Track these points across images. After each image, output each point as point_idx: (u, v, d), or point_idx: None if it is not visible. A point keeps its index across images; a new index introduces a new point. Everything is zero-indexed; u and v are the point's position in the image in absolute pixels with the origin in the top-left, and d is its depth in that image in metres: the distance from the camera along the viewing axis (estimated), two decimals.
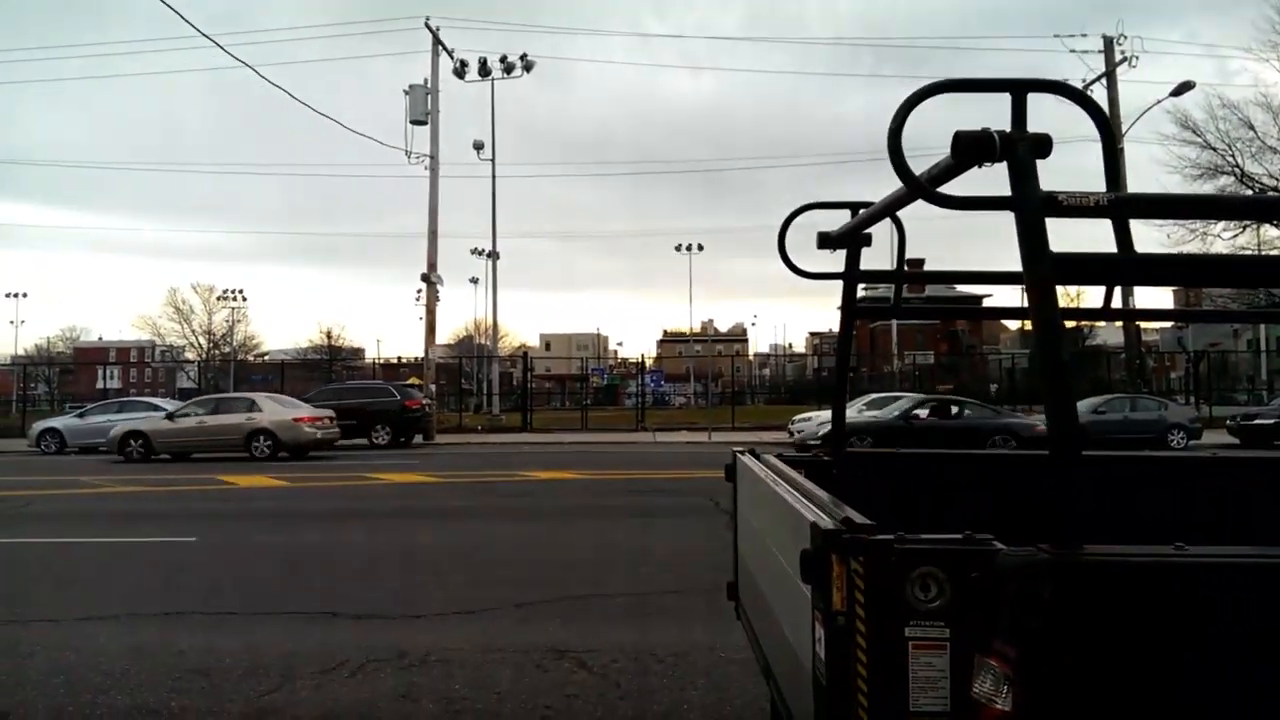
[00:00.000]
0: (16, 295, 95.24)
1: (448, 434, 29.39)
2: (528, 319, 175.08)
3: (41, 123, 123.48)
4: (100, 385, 55.64)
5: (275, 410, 21.07)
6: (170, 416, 21.43)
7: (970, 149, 1.81)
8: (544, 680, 4.56)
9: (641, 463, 18.52)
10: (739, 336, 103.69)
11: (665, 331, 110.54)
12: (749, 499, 3.12)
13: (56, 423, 24.76)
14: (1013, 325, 68.56)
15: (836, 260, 3.30)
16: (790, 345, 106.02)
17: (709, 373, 38.47)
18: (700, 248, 79.40)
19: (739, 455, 3.41)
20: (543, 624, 5.63)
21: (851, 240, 3.13)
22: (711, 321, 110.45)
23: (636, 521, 10.49)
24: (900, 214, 2.74)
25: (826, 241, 3.17)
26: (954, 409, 19.62)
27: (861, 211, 3.03)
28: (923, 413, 19.83)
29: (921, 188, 1.95)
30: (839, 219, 3.17)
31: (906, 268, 3.71)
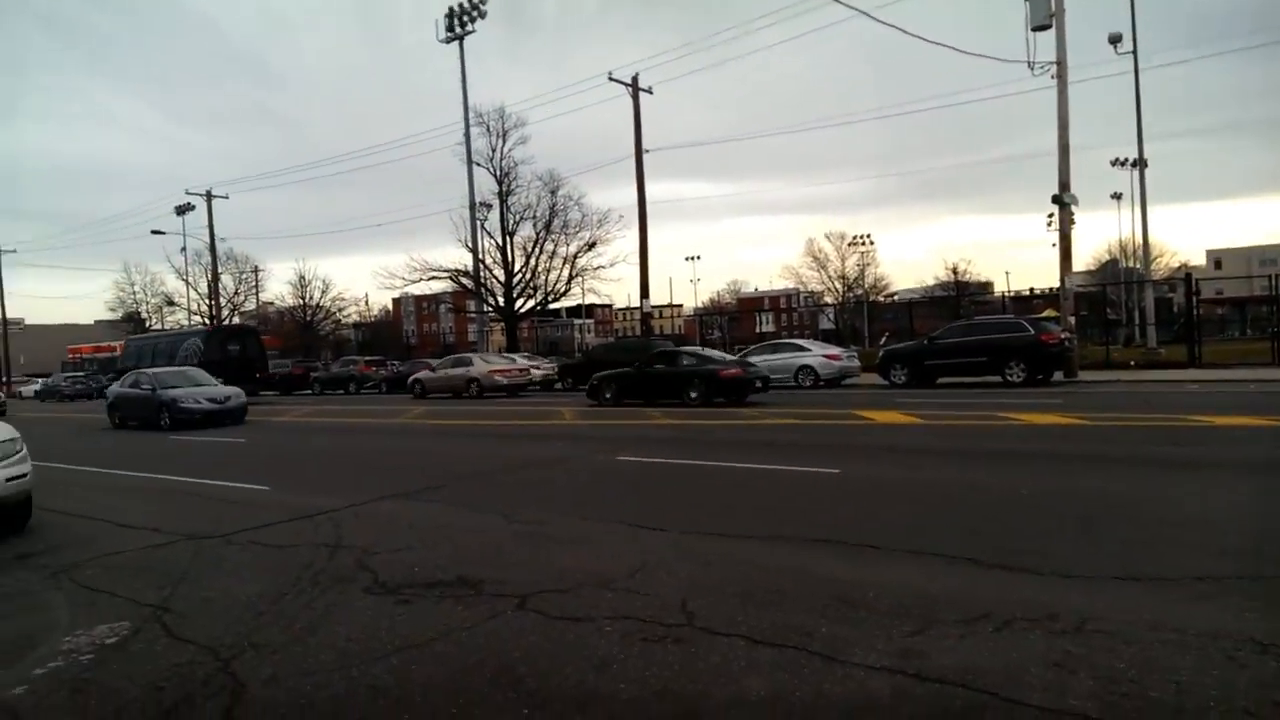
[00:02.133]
0: (693, 258, 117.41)
1: (1092, 370, 26.66)
2: (1189, 234, 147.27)
3: (683, 111, 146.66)
4: (758, 329, 64.34)
5: (480, 365, 30.39)
6: (434, 369, 32.53)
7: None
8: (1240, 676, 3.66)
9: None
10: None
11: None
12: None
13: None
14: None
15: None
16: None
17: None
18: None
19: None
20: (1233, 605, 4.56)
21: None
22: None
23: None
24: None
25: None
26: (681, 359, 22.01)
27: None
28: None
29: None
30: None
31: None
